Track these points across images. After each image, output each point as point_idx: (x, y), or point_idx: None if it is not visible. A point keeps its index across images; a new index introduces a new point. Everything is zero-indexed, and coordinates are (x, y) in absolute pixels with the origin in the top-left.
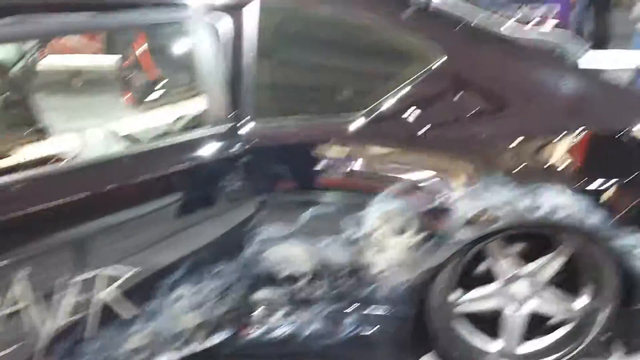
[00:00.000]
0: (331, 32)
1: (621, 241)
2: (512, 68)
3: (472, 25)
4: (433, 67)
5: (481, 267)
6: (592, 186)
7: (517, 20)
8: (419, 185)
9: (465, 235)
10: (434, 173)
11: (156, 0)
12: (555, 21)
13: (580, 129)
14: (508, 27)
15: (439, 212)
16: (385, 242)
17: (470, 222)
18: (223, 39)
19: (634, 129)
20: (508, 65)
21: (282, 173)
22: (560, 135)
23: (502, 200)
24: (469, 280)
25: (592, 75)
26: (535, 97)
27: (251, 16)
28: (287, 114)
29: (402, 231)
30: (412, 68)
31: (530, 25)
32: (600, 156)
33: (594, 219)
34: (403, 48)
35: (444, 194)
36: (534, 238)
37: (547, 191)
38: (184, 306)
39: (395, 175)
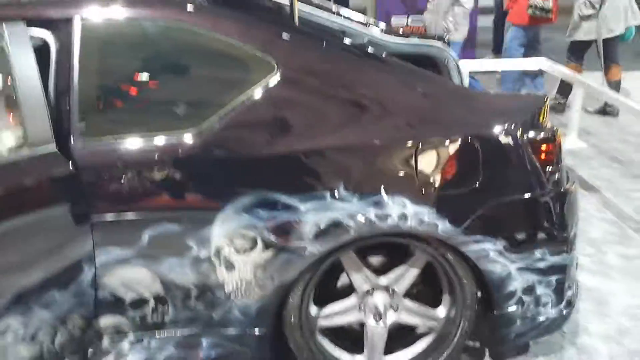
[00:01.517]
0: (159, 45)
1: (474, 247)
2: (355, 78)
3: (310, 36)
4: (268, 81)
5: (341, 281)
6: (441, 194)
7: (386, 31)
8: (263, 200)
9: (317, 248)
10: (279, 187)
11: None
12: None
13: (426, 137)
14: (372, 36)
15: (288, 227)
16: (233, 261)
17: (319, 235)
18: (46, 56)
19: (479, 136)
20: (350, 77)
21: (116, 193)
22: (407, 145)
23: (350, 211)
24: (333, 294)
25: (442, 82)
26: (379, 107)
27: (76, 31)
28: (118, 132)
29: (250, 248)
30: (246, 82)
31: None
32: (448, 164)
33: (444, 226)
34: (236, 61)
35: (292, 207)
36: (392, 250)
37: (395, 200)
38: (13, 339)
39: (239, 191)
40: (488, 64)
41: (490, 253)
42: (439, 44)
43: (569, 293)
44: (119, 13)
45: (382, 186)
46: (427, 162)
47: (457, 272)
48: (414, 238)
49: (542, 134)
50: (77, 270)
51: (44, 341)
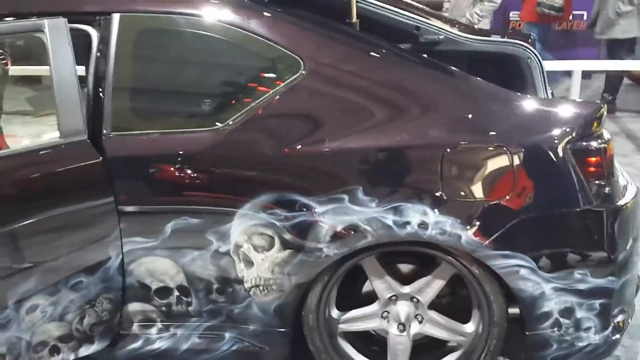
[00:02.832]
0: (192, 42)
1: (502, 262)
2: (382, 80)
3: (344, 34)
4: (293, 80)
5: (368, 287)
6: (467, 204)
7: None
8: (282, 199)
9: (333, 251)
10: (297, 187)
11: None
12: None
13: (455, 142)
14: (451, 34)
15: (305, 228)
16: (252, 258)
17: (336, 238)
18: (84, 48)
19: (514, 143)
20: (377, 78)
21: (141, 185)
22: (432, 150)
23: (368, 215)
24: (358, 299)
25: (481, 85)
26: (406, 109)
27: (112, 26)
28: (147, 127)
29: (268, 246)
30: (273, 80)
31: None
32: (476, 172)
33: (468, 238)
34: (265, 60)
35: (309, 208)
36: (422, 260)
37: (415, 207)
38: (41, 317)
39: (258, 189)
40: (577, 65)
41: (521, 270)
42: (522, 43)
43: (618, 319)
44: (155, 8)
45: (403, 192)
46: (454, 168)
47: (484, 287)
48: (438, 249)
49: (589, 144)
50: (105, 256)
51: (73, 321)
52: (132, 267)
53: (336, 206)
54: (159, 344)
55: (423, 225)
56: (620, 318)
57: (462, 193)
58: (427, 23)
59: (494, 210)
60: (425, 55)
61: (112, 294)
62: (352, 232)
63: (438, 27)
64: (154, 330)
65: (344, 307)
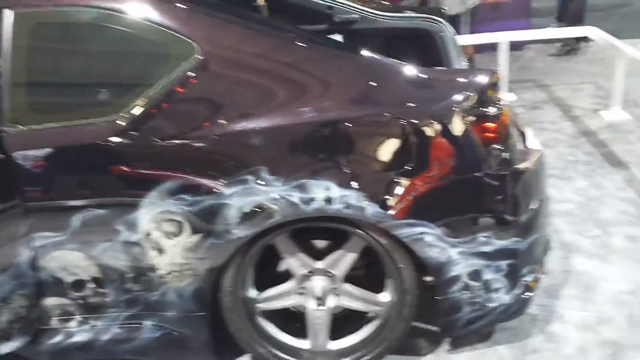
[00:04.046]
0: (84, 33)
1: (407, 231)
2: (277, 59)
3: (236, 14)
4: (188, 64)
5: (282, 265)
6: (369, 176)
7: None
8: (188, 184)
9: (243, 232)
10: (202, 171)
11: None
12: None
13: (353, 116)
14: (364, 12)
15: (213, 211)
16: (163, 245)
17: (245, 219)
18: None
19: (410, 114)
20: (272, 57)
21: (45, 179)
22: (331, 125)
23: (274, 194)
24: (275, 278)
25: (377, 60)
26: (303, 87)
27: (4, 22)
28: (46, 120)
29: (177, 232)
30: (170, 67)
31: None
32: (377, 145)
33: (373, 210)
34: (160, 46)
35: (215, 192)
36: (335, 234)
37: (319, 184)
38: None
39: (162, 176)
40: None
41: (426, 237)
42: (435, 17)
43: (528, 278)
44: (44, 2)
45: (306, 169)
46: (354, 142)
47: (393, 257)
48: (346, 222)
49: (484, 111)
50: (15, 252)
51: None
52: (44, 262)
53: (242, 187)
54: (80, 337)
55: (328, 200)
56: (529, 278)
57: (364, 166)
58: (339, 2)
59: (395, 181)
60: (338, 35)
61: (27, 290)
62: (260, 212)
63: (351, 5)
64: (73, 324)
65: (265, 287)
